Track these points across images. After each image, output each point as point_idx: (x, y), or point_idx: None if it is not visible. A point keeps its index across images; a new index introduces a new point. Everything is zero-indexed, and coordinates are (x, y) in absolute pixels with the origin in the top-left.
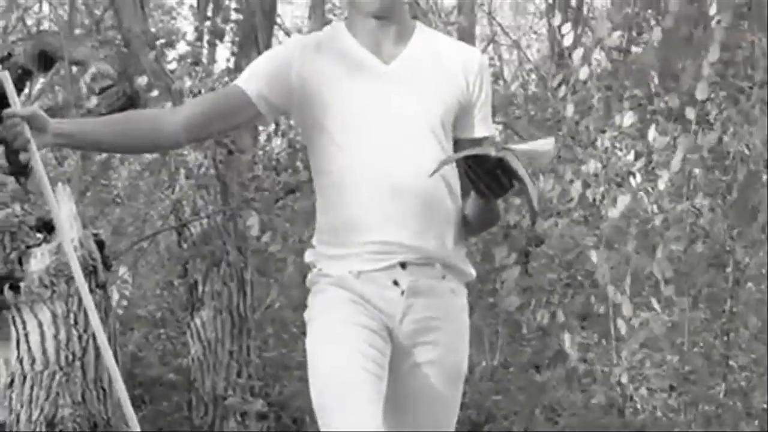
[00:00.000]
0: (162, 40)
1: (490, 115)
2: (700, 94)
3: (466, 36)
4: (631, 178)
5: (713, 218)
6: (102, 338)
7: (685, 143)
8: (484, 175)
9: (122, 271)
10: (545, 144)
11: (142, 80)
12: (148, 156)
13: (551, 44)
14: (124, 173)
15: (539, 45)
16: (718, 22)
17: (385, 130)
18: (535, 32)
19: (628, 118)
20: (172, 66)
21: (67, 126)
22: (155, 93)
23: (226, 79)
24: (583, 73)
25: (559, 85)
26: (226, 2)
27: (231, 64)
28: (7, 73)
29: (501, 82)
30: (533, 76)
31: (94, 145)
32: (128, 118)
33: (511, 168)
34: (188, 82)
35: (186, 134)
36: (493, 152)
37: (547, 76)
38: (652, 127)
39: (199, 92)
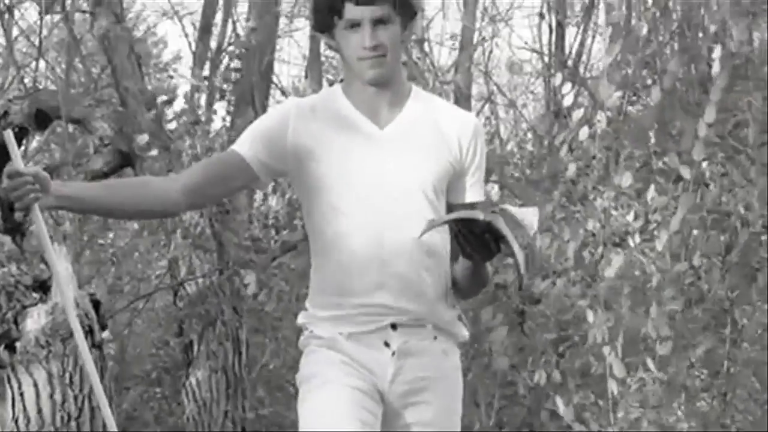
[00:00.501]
0: (163, 97)
1: (482, 181)
2: (697, 154)
3: (462, 95)
4: (629, 238)
5: (711, 279)
6: (101, 396)
7: (685, 203)
8: (473, 238)
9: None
10: (531, 213)
11: (141, 139)
12: None
13: (547, 103)
14: (120, 233)
15: (535, 104)
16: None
17: (379, 194)
18: (532, 92)
19: (626, 179)
20: (171, 125)
21: (69, 189)
22: (154, 152)
23: (226, 138)
24: (583, 133)
25: (561, 144)
26: (224, 61)
27: (227, 123)
28: (10, 132)
29: (497, 141)
30: (529, 135)
31: (95, 210)
32: (129, 184)
33: (499, 231)
34: (187, 142)
35: (185, 200)
36: (481, 216)
37: (545, 136)
38: (651, 187)
39: (197, 152)
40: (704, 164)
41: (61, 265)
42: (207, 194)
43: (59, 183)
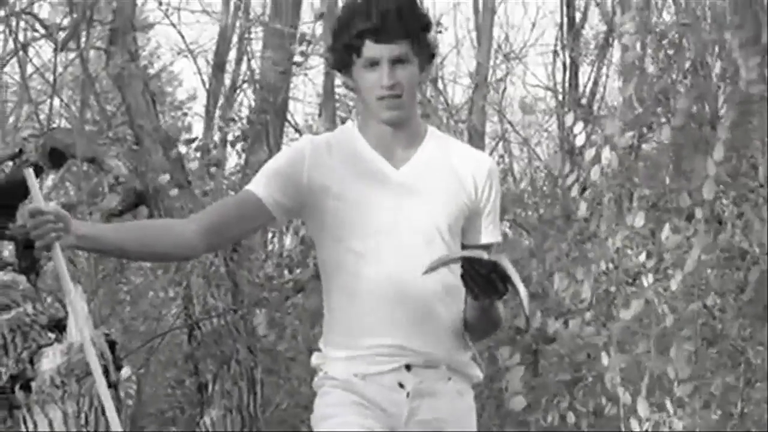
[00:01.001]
0: (185, 136)
1: (498, 222)
2: (707, 193)
3: (476, 134)
4: (643, 278)
5: (725, 318)
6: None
7: (699, 242)
8: (479, 279)
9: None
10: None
11: (162, 178)
12: None
13: (561, 142)
14: (135, 272)
15: (549, 142)
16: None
17: (394, 234)
18: (546, 130)
19: (639, 219)
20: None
21: (89, 229)
22: (174, 191)
23: (240, 175)
24: (595, 172)
25: (573, 184)
26: (237, 99)
27: (242, 161)
28: (30, 170)
29: (511, 179)
30: (542, 173)
31: (113, 252)
32: (147, 226)
33: (505, 272)
34: (210, 185)
35: (202, 244)
36: (485, 255)
37: (558, 174)
38: (666, 226)
39: (213, 191)
40: (717, 203)
41: (78, 304)
42: (224, 236)
43: (79, 222)
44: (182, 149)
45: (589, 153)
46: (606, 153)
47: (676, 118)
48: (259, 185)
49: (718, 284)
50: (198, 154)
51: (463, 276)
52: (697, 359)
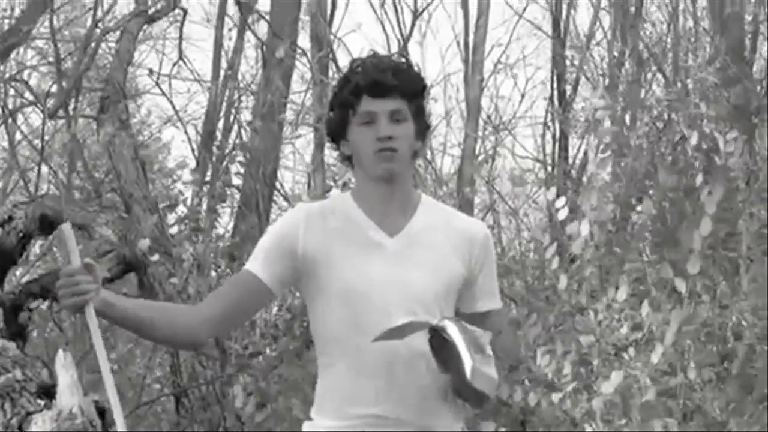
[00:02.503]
0: (164, 204)
1: (494, 289)
2: (692, 268)
3: (466, 203)
4: (624, 353)
5: (706, 392)
6: None
7: (678, 316)
8: (440, 349)
9: None
10: (485, 336)
11: (143, 244)
12: None
13: (549, 213)
14: (122, 337)
15: (538, 213)
16: (710, 193)
17: (386, 303)
18: (534, 201)
19: (621, 293)
20: (173, 230)
21: (113, 297)
22: (155, 257)
23: (228, 243)
24: (577, 247)
25: (553, 256)
26: (227, 167)
27: (229, 229)
28: (68, 225)
29: (499, 250)
30: (531, 244)
31: (130, 324)
32: (165, 308)
33: (449, 338)
34: (189, 249)
35: (207, 335)
36: (433, 322)
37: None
38: (645, 302)
39: (198, 259)
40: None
41: (67, 372)
42: (229, 324)
43: (104, 289)
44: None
45: (572, 227)
46: (585, 226)
47: (657, 192)
48: (256, 263)
49: (699, 358)
50: (178, 219)
51: (429, 345)
52: None
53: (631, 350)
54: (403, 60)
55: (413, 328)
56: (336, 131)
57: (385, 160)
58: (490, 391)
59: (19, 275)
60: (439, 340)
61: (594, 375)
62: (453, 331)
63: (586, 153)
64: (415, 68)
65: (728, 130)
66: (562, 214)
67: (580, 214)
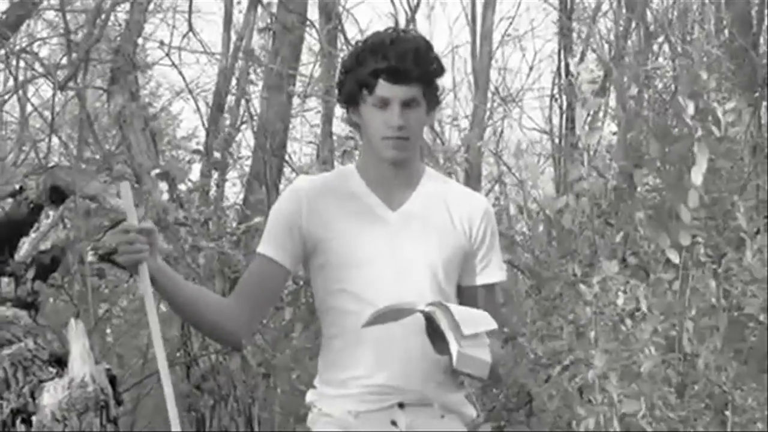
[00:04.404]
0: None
1: (496, 262)
2: (684, 239)
3: (473, 175)
4: (622, 325)
5: (708, 361)
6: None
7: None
8: (434, 333)
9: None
10: (488, 324)
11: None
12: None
13: (557, 185)
14: (131, 306)
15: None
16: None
17: (388, 275)
18: (541, 172)
19: (613, 265)
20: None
21: (165, 265)
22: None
23: (239, 212)
24: (566, 221)
25: (562, 208)
26: (236, 138)
27: (239, 200)
28: (127, 184)
29: (506, 221)
30: (539, 216)
31: (175, 295)
32: (216, 297)
33: (437, 323)
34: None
35: (246, 334)
36: (421, 307)
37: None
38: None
39: (207, 222)
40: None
41: (79, 341)
42: (260, 313)
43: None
44: (182, 187)
45: (560, 200)
46: (572, 197)
47: (647, 162)
48: (267, 246)
49: (696, 332)
50: (188, 188)
51: (425, 327)
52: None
53: (628, 321)
54: (423, 39)
55: (403, 314)
56: (348, 101)
57: (394, 148)
58: (481, 374)
59: (29, 245)
60: (433, 325)
61: (592, 346)
62: (439, 316)
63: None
64: (433, 49)
65: (728, 99)
66: (549, 189)
67: (568, 185)
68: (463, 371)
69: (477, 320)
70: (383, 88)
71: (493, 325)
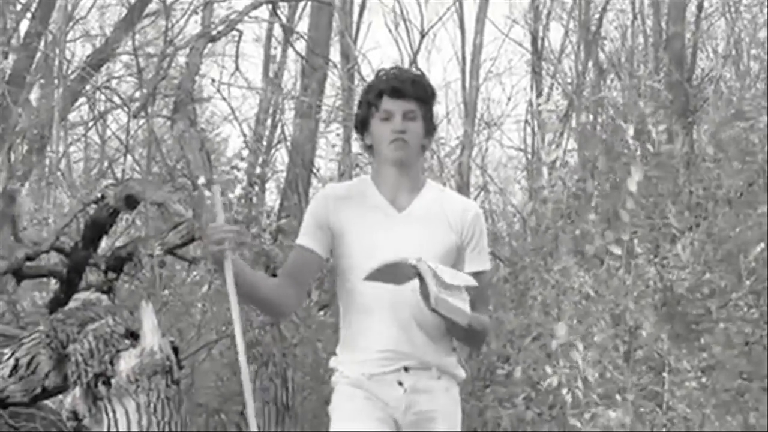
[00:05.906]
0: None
1: (484, 254)
2: (624, 235)
3: (463, 184)
4: (577, 304)
5: (649, 331)
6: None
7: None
8: (424, 290)
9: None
10: (467, 281)
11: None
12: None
13: (530, 192)
14: (185, 289)
15: (521, 191)
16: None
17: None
18: (518, 182)
19: (568, 260)
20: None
21: (240, 260)
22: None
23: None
24: (532, 221)
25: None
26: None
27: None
28: (218, 188)
29: (490, 220)
30: (515, 218)
31: (249, 286)
32: (278, 282)
33: (420, 274)
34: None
35: (294, 306)
36: (409, 260)
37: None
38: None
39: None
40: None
41: (149, 318)
42: (303, 291)
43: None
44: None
45: (528, 205)
46: (538, 203)
47: (597, 174)
48: (305, 237)
49: (639, 309)
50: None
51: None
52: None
53: (584, 302)
54: (419, 72)
55: (404, 273)
56: (361, 125)
57: (397, 149)
58: (459, 320)
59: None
60: (423, 284)
61: (555, 321)
62: (424, 268)
63: (558, 144)
64: (427, 79)
65: (661, 122)
66: (520, 196)
67: (536, 193)
68: (440, 312)
69: (458, 276)
70: (387, 102)
71: (472, 282)
